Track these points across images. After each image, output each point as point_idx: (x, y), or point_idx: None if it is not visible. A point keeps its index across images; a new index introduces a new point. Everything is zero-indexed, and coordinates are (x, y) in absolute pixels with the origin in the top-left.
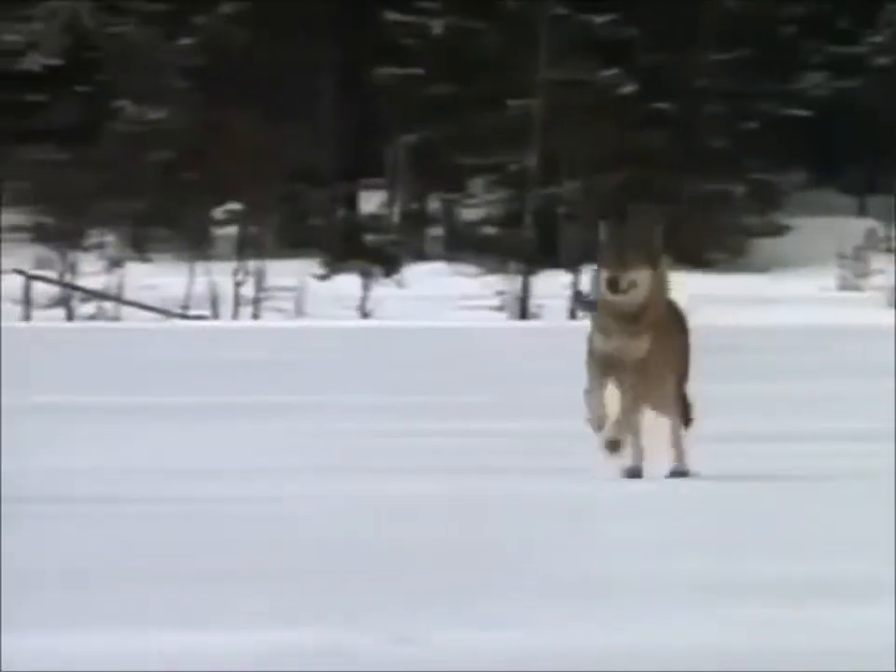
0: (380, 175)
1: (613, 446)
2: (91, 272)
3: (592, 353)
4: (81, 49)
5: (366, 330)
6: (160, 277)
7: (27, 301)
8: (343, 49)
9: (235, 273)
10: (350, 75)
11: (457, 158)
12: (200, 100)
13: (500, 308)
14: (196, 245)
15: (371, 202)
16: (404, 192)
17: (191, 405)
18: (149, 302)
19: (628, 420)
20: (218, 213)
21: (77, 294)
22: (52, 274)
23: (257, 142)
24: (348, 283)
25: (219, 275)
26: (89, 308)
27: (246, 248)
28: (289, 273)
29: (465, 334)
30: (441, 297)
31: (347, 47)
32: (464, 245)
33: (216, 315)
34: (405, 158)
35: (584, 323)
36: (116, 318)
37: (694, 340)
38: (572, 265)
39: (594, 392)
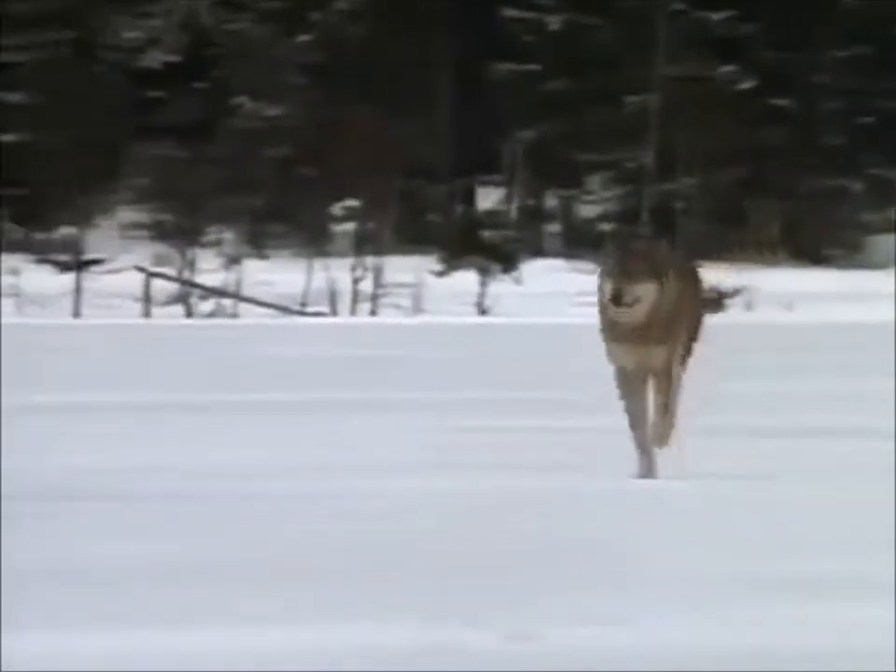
0: (497, 171)
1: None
2: (209, 268)
3: (616, 371)
4: (200, 46)
5: (483, 327)
6: (278, 274)
7: (147, 299)
8: (460, 45)
9: (353, 269)
10: (468, 71)
11: (574, 154)
12: (317, 96)
13: None
14: (314, 242)
15: (488, 198)
16: (522, 189)
17: (310, 402)
18: (267, 299)
19: (667, 421)
20: (336, 209)
21: (196, 291)
22: (171, 271)
23: (374, 138)
24: (466, 279)
25: (337, 272)
26: (207, 305)
27: (364, 244)
28: (407, 269)
29: (582, 331)
30: (559, 293)
31: (465, 43)
32: (581, 242)
33: (334, 312)
34: (522, 154)
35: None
36: (234, 315)
37: (811, 337)
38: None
39: (633, 409)
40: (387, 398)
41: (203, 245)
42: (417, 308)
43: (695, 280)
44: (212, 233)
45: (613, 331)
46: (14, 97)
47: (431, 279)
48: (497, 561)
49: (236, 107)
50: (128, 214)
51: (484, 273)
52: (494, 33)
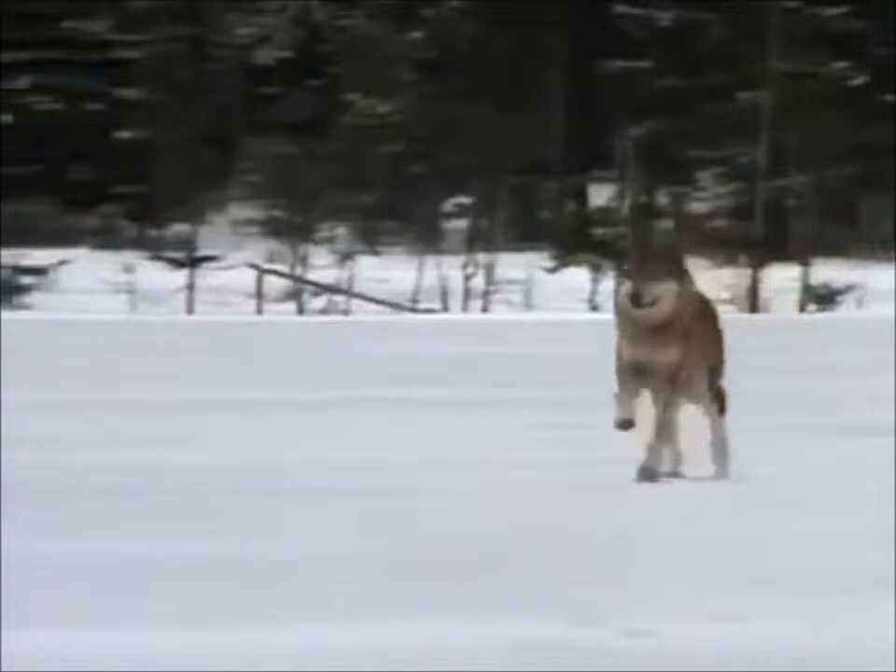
0: (609, 167)
1: (648, 475)
2: (321, 265)
3: (620, 359)
4: (312, 43)
5: (594, 323)
6: (390, 271)
7: (259, 295)
8: (571, 41)
9: (465, 266)
10: (579, 68)
11: (687, 150)
12: (429, 93)
13: (730, 301)
14: (426, 239)
15: (600, 195)
16: (633, 185)
17: (421, 398)
18: (380, 296)
19: (665, 426)
20: (448, 206)
21: (308, 287)
22: (284, 268)
23: (486, 135)
24: (578, 276)
25: (449, 268)
26: (319, 302)
27: (476, 241)
28: (519, 265)
29: None
30: None
31: (576, 40)
32: (693, 238)
33: (445, 308)
34: (634, 151)
35: (815, 317)
36: (346, 312)
37: None
38: (802, 258)
39: (623, 398)
40: (498, 395)
41: (316, 242)
42: (529, 305)
43: (710, 310)
44: (324, 230)
45: (629, 332)
46: (130, 93)
47: (543, 276)
48: (603, 557)
49: (348, 104)
50: (241, 210)
51: (596, 269)
52: (605, 29)
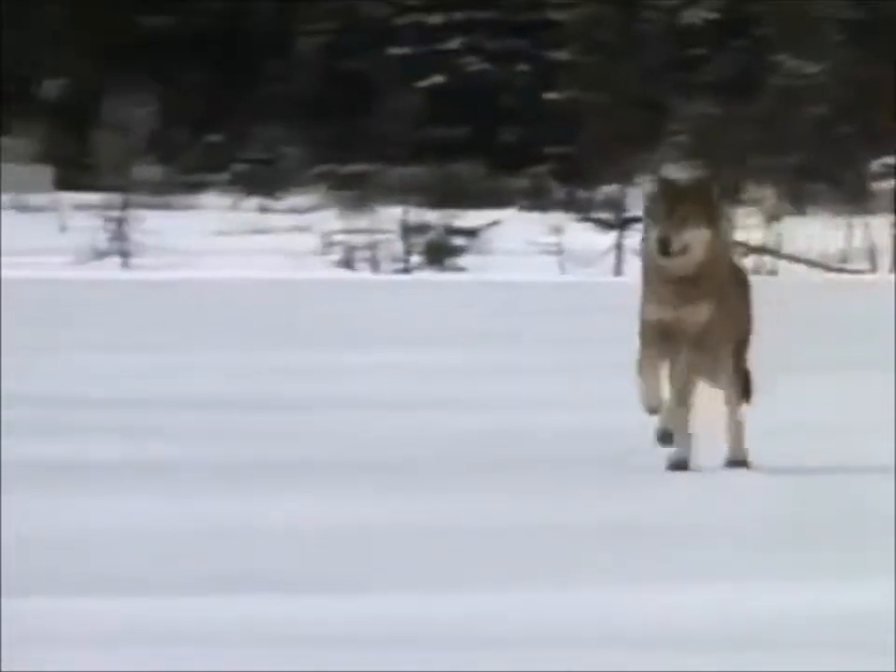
0: None
1: (665, 438)
2: (749, 225)
3: (644, 323)
4: (739, 4)
5: None
6: (818, 231)
7: None
8: None
9: (893, 226)
10: None
11: None
12: (856, 53)
13: None
14: (853, 200)
15: None
16: None
17: (839, 359)
18: (807, 257)
19: (681, 402)
20: (875, 166)
21: (737, 248)
22: None
23: None
24: None
25: (877, 229)
26: (747, 262)
27: None
28: None
29: None
30: None
31: None
32: None
33: (874, 269)
34: None
35: None
36: (773, 273)
37: None
38: None
39: (647, 370)
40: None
41: (744, 203)
42: None
43: (742, 280)
44: (751, 191)
45: (655, 285)
46: (560, 55)
47: None
48: None
49: (776, 65)
50: (670, 171)
51: None
52: None
